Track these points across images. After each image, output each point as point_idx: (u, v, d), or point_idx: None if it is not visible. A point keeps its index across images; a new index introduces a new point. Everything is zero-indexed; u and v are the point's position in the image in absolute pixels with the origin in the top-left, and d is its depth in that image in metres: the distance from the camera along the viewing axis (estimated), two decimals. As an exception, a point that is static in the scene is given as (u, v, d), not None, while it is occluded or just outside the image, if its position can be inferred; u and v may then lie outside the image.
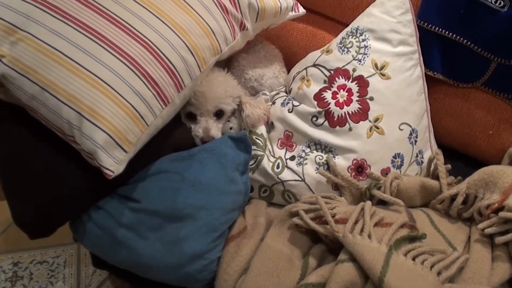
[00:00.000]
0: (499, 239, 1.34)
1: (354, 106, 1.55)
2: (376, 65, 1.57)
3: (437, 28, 1.67)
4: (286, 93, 1.77)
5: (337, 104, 1.56)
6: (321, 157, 1.56)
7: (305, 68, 1.68)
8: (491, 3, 1.56)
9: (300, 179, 1.57)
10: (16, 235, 2.40)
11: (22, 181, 1.38)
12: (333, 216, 1.37)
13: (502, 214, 1.34)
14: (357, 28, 1.63)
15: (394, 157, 1.56)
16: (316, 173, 1.56)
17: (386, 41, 1.59)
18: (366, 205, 1.39)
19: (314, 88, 1.61)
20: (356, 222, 1.35)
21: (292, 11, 1.77)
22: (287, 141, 1.63)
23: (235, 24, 1.56)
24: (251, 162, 1.60)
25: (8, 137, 1.40)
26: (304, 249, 1.42)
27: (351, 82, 1.57)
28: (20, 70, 1.28)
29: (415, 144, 1.60)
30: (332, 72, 1.60)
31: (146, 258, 1.39)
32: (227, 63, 1.76)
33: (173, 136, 1.52)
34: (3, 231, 2.44)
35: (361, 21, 1.64)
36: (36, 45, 1.28)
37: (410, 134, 1.58)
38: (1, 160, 1.40)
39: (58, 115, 1.28)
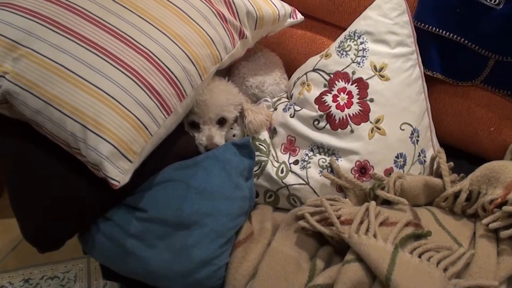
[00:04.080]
0: (504, 233, 1.35)
1: (355, 108, 1.56)
2: (375, 67, 1.58)
3: (434, 28, 1.68)
4: (287, 99, 1.78)
5: (338, 107, 1.57)
6: (324, 160, 1.57)
7: (305, 73, 1.70)
8: (486, 1, 1.57)
9: (304, 182, 1.58)
10: (26, 252, 2.42)
11: (29, 195, 1.38)
12: (338, 218, 1.37)
13: (505, 208, 1.35)
14: (354, 32, 1.64)
15: (397, 157, 1.57)
16: (320, 176, 1.57)
17: (384, 43, 1.61)
18: (371, 205, 1.40)
19: (315, 92, 1.62)
20: (361, 223, 1.36)
21: (290, 17, 1.79)
22: (290, 146, 1.64)
23: (234, 32, 1.58)
24: (256, 168, 1.61)
25: (14, 152, 1.41)
26: (311, 251, 1.43)
27: (351, 84, 1.58)
28: (24, 85, 1.29)
29: (417, 143, 1.60)
30: (331, 75, 1.61)
31: (155, 267, 1.40)
32: (227, 72, 1.78)
33: (177, 145, 1.53)
34: (13, 248, 2.45)
35: (358, 25, 1.66)
36: (39, 60, 1.29)
37: (412, 133, 1.59)
38: (8, 176, 1.42)
39: (63, 129, 1.29)
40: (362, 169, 1.55)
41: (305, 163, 1.59)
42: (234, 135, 1.67)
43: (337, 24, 1.93)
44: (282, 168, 1.61)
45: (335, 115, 1.56)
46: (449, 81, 1.76)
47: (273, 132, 1.69)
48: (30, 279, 2.34)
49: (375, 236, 1.31)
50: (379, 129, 1.55)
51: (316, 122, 1.59)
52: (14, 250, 2.45)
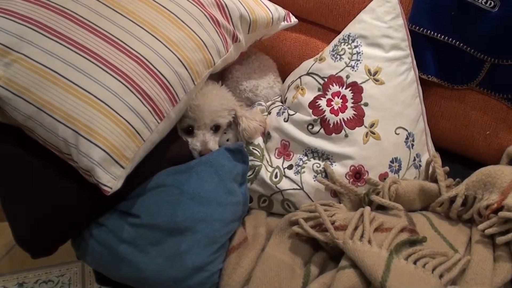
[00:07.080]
0: (500, 239, 1.34)
1: (349, 113, 1.55)
2: (369, 71, 1.58)
3: (428, 31, 1.67)
4: (281, 102, 1.77)
5: (332, 111, 1.56)
6: (318, 165, 1.56)
7: (299, 77, 1.69)
8: (481, 3, 1.56)
9: (298, 187, 1.57)
10: (20, 256, 2.40)
11: (21, 200, 1.37)
12: (332, 223, 1.37)
13: (501, 214, 1.35)
14: (349, 35, 1.64)
15: (392, 161, 1.56)
16: (314, 181, 1.56)
17: (378, 47, 1.60)
18: (365, 211, 1.39)
19: (309, 96, 1.61)
20: (355, 228, 1.35)
21: (284, 21, 1.78)
22: (284, 150, 1.63)
23: (227, 36, 1.57)
24: (249, 173, 1.60)
25: (6, 157, 1.40)
26: (306, 257, 1.42)
27: (345, 88, 1.57)
28: (15, 91, 1.28)
29: (412, 148, 1.60)
30: (326, 79, 1.61)
31: (148, 273, 1.39)
32: (221, 76, 1.76)
33: (170, 150, 1.52)
34: (7, 252, 2.44)
35: (352, 28, 1.65)
36: (30, 65, 1.28)
37: (407, 138, 1.58)
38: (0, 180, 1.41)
39: (55, 134, 1.28)
40: (357, 174, 1.54)
41: (299, 168, 1.58)
42: (227, 140, 1.66)
43: (331, 27, 1.91)
44: (276, 173, 1.60)
45: (329, 120, 1.55)
46: (444, 84, 1.75)
47: (267, 136, 1.69)
48: (24, 283, 2.32)
49: (369, 242, 1.31)
50: (374, 133, 1.54)
51: (310, 127, 1.58)
52: (9, 254, 2.44)
